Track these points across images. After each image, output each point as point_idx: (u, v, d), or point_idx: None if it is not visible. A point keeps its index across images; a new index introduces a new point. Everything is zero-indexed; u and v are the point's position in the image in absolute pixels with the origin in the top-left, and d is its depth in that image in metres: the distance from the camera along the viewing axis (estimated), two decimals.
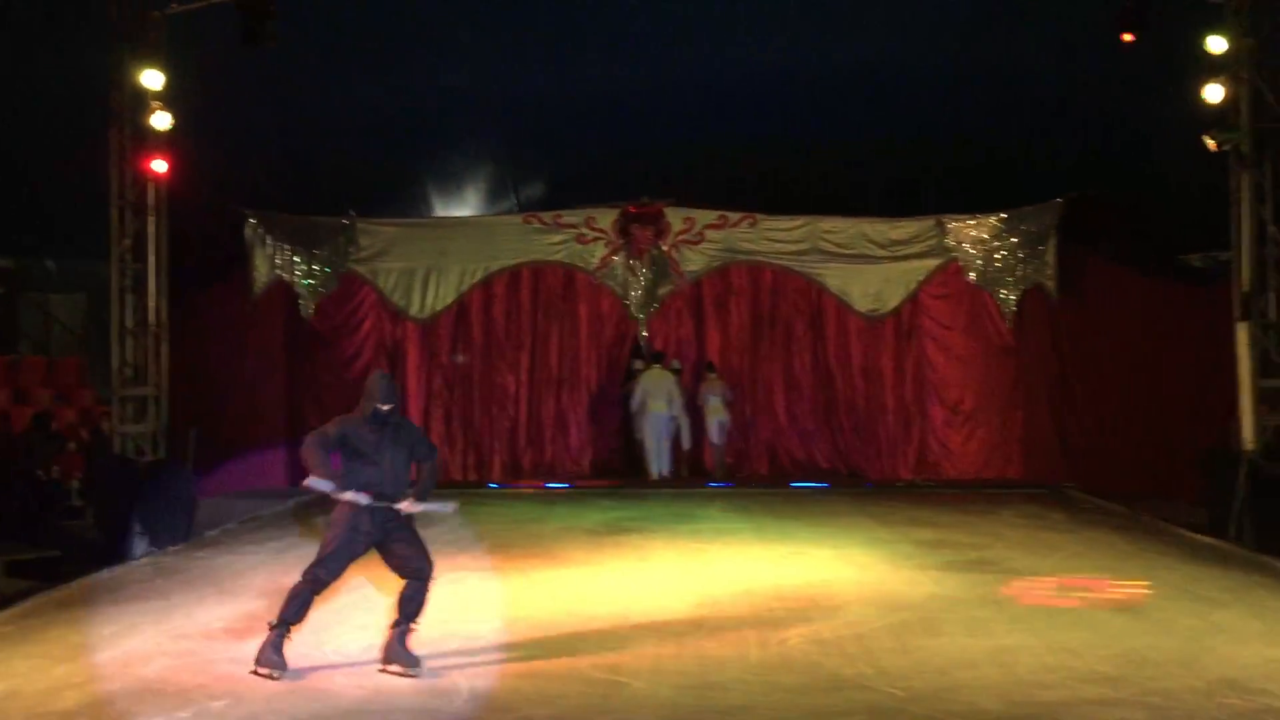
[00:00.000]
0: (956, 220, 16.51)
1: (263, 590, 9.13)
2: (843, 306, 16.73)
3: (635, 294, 16.79)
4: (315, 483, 6.74)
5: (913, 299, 16.68)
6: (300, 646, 7.32)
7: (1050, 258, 16.09)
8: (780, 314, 16.92)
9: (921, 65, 14.85)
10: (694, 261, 16.80)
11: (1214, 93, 12.11)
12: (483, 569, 10.04)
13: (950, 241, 16.55)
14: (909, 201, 16.59)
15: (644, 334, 16.78)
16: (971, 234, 16.51)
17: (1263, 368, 12.17)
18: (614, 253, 16.78)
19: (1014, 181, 16.11)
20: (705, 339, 16.99)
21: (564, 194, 17.05)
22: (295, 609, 6.72)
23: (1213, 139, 12.06)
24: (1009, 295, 16.41)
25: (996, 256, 16.40)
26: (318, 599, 6.89)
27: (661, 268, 16.75)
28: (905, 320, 16.76)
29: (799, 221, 16.72)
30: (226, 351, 16.10)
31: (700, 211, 16.78)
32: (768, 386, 16.87)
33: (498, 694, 6.25)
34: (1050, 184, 15.95)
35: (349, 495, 6.74)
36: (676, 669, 6.76)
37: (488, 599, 8.83)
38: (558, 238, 16.84)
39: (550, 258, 16.88)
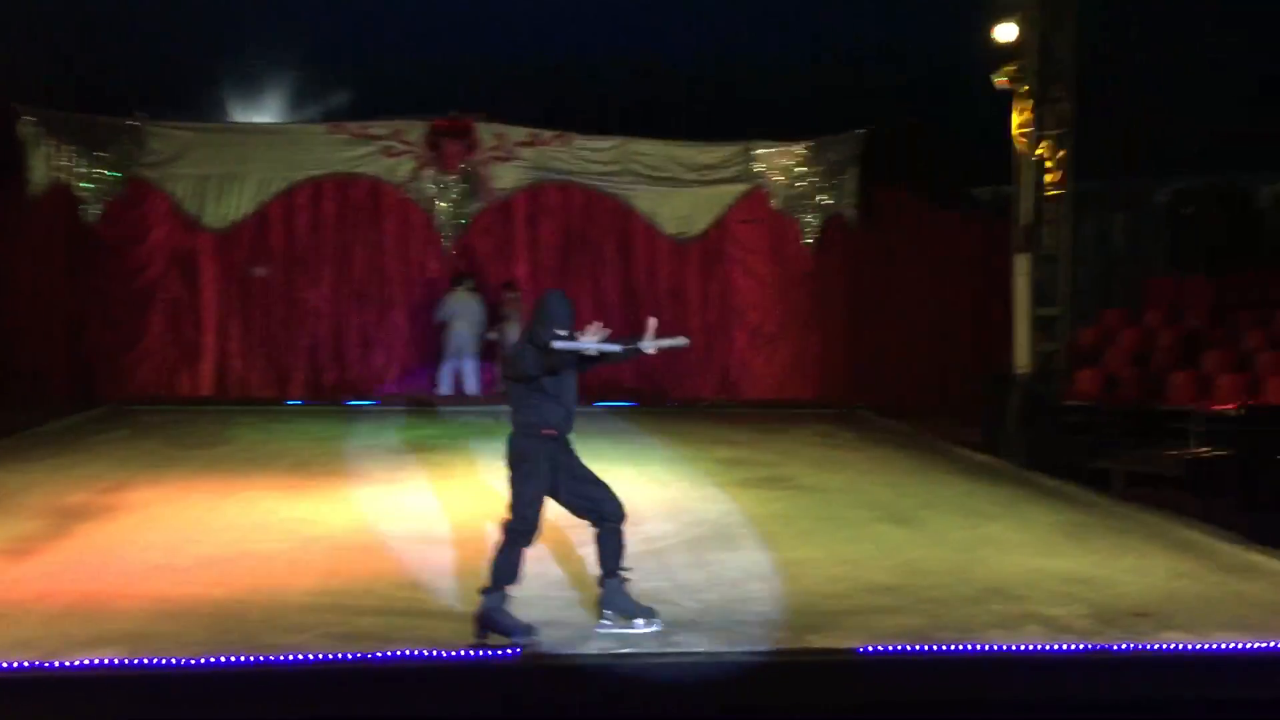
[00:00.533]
0: (764, 147, 16.80)
1: (41, 509, 8.71)
2: (651, 229, 16.87)
3: (444, 210, 16.49)
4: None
5: (719, 224, 16.95)
6: (83, 567, 7.06)
7: (850, 187, 16.63)
8: (590, 234, 16.93)
9: None
10: (504, 179, 16.58)
11: (1006, 32, 12.66)
12: (280, 488, 9.81)
13: (757, 168, 16.85)
14: (718, 127, 16.75)
15: (451, 252, 16.52)
16: (777, 161, 16.86)
17: (1038, 297, 12.97)
18: (423, 167, 16.39)
19: (819, 112, 16.47)
20: (515, 257, 16.85)
21: (372, 105, 16.47)
22: (511, 572, 5.88)
23: (1001, 77, 12.63)
24: (811, 222, 16.87)
25: (800, 184, 16.81)
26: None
27: (471, 184, 16.48)
28: (711, 244, 17.03)
29: (611, 142, 16.70)
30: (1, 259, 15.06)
31: (512, 128, 16.53)
32: (576, 307, 16.83)
33: (291, 614, 6.15)
34: (853, 115, 16.40)
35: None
36: (476, 586, 6.75)
37: (286, 517, 8.65)
38: (364, 150, 16.31)
39: (356, 170, 16.35)
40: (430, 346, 16.47)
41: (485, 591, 5.86)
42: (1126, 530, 8.41)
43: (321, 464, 11.14)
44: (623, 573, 6.09)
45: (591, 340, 5.95)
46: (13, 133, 15.09)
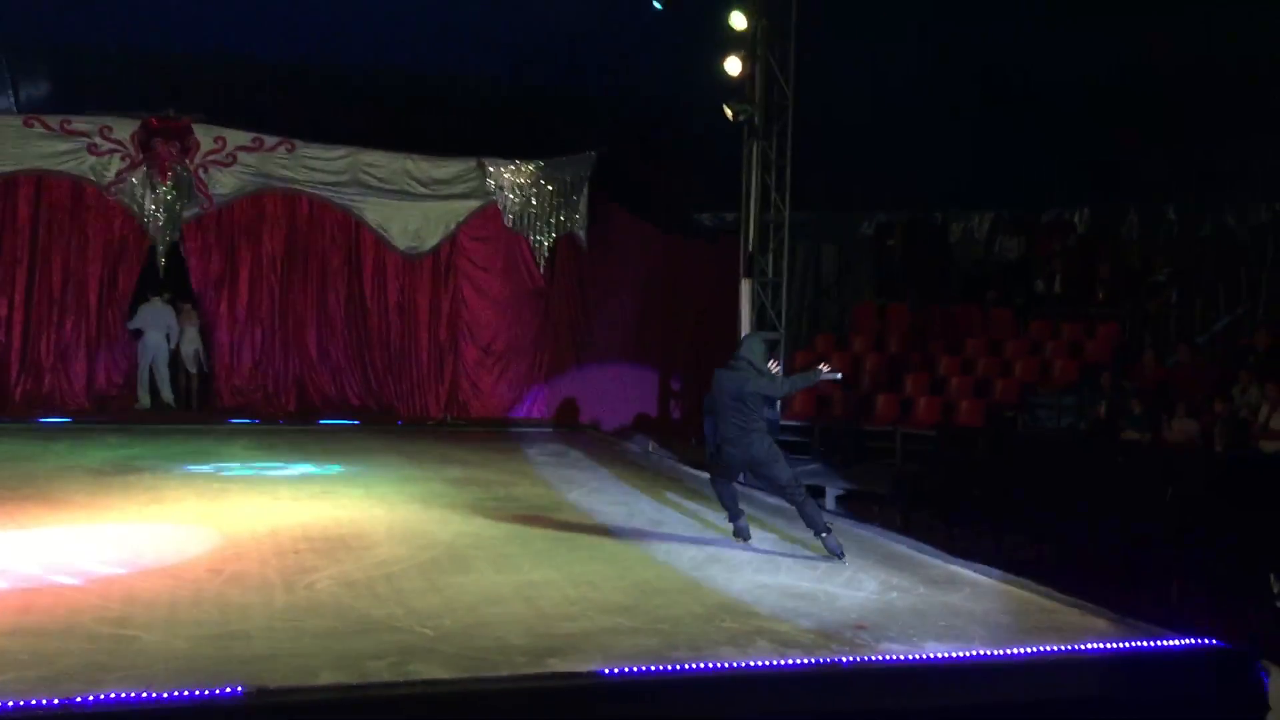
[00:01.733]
0: (497, 164, 16.77)
1: None
2: (381, 242, 16.48)
3: (155, 214, 15.48)
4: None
5: (451, 239, 16.77)
6: None
7: (582, 207, 16.87)
8: (315, 246, 16.35)
9: (471, 4, 14.82)
10: (224, 184, 15.77)
11: (733, 66, 13.22)
12: None
13: (491, 184, 16.80)
14: (451, 142, 16.58)
15: (162, 259, 15.54)
16: (511, 179, 16.87)
17: (760, 321, 13.58)
18: (132, 168, 15.34)
19: (550, 131, 16.61)
20: (237, 267, 16.03)
21: (75, 98, 15.23)
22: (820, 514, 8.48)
23: (730, 109, 13.17)
24: (543, 240, 16.97)
25: (533, 202, 16.89)
26: None
27: (186, 188, 15.56)
28: (443, 259, 16.82)
29: (340, 152, 16.20)
30: None
31: (233, 131, 15.76)
32: (300, 320, 16.28)
33: None
34: (583, 137, 16.64)
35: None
36: (194, 619, 6.36)
37: None
38: (65, 146, 15.10)
39: (56, 167, 15.11)
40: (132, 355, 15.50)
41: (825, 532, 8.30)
42: (842, 546, 8.85)
43: (11, 487, 10.17)
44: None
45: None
46: None
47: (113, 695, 5.04)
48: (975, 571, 8.01)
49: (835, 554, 8.18)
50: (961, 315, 15.78)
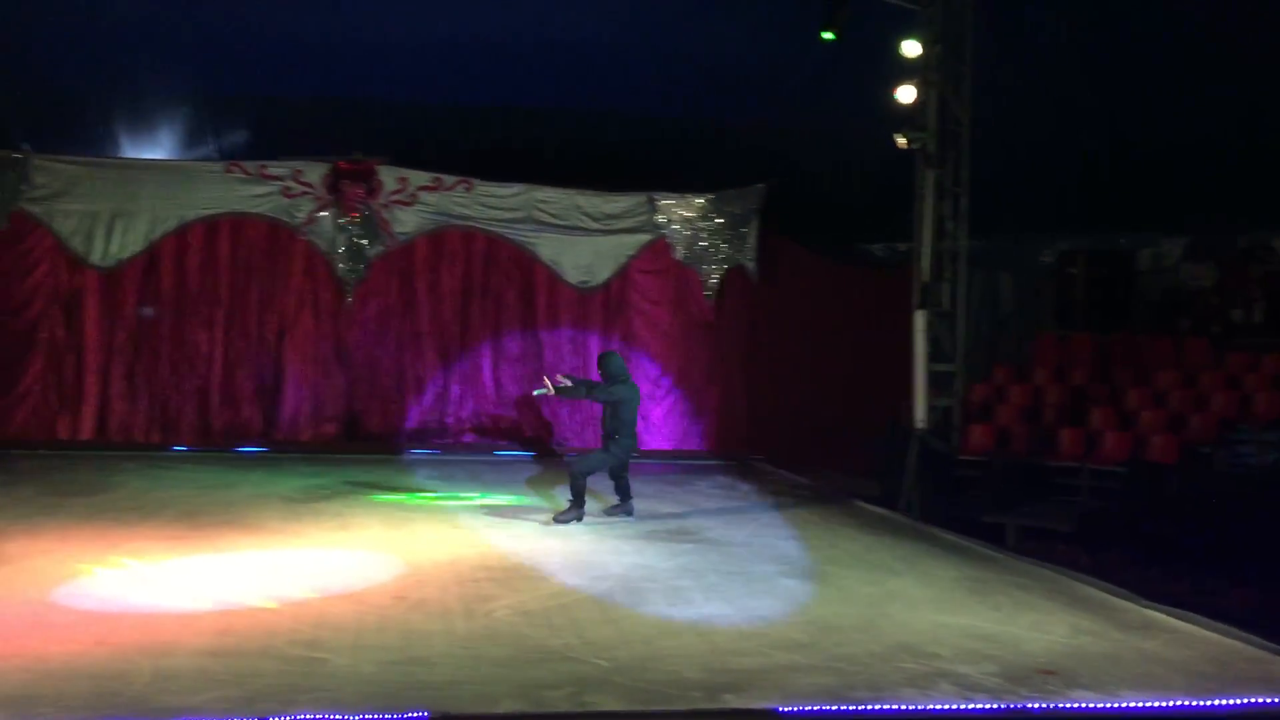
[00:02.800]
0: (666, 198, 16.92)
1: None
2: (554, 277, 16.80)
3: (343, 254, 16.20)
4: None
5: (622, 273, 16.97)
6: None
7: (751, 240, 16.83)
8: (492, 282, 16.77)
9: (640, 43, 15.06)
10: (406, 223, 16.37)
11: (906, 94, 12.99)
12: (167, 540, 9.40)
13: (660, 219, 16.95)
14: (622, 177, 16.82)
15: (349, 296, 16.22)
16: (680, 213, 16.99)
17: (934, 353, 13.24)
18: (322, 209, 16.09)
19: (719, 165, 16.67)
20: (416, 303, 16.61)
21: (270, 145, 16.11)
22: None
23: (903, 138, 12.94)
24: (712, 273, 17.01)
25: (702, 236, 16.96)
26: None
27: (372, 228, 16.23)
28: (614, 293, 17.04)
29: (515, 189, 16.62)
30: None
31: (414, 172, 16.35)
32: (476, 354, 16.71)
33: (183, 675, 5.85)
34: (752, 169, 16.64)
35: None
36: (379, 644, 6.57)
37: (174, 573, 8.28)
38: (262, 189, 15.95)
39: (253, 210, 15.97)
40: (333, 390, 16.13)
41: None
42: (1026, 586, 8.54)
43: (211, 514, 10.73)
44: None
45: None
46: None
47: (305, 716, 5.23)
48: (1173, 616, 7.59)
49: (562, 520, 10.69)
50: (1151, 346, 15.06)
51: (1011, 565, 9.45)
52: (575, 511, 10.79)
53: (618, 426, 11.09)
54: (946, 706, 5.59)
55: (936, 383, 13.24)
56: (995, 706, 5.62)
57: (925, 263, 13.22)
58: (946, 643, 6.81)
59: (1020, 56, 14.34)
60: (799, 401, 16.59)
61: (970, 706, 5.62)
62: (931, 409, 13.10)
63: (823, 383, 16.51)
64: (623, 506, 11.21)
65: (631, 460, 11.47)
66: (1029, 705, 5.65)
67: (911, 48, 12.96)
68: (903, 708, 5.56)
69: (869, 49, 13.30)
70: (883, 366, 15.23)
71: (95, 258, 15.50)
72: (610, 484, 11.30)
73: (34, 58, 14.11)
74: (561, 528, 10.50)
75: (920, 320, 13.21)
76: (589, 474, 11.04)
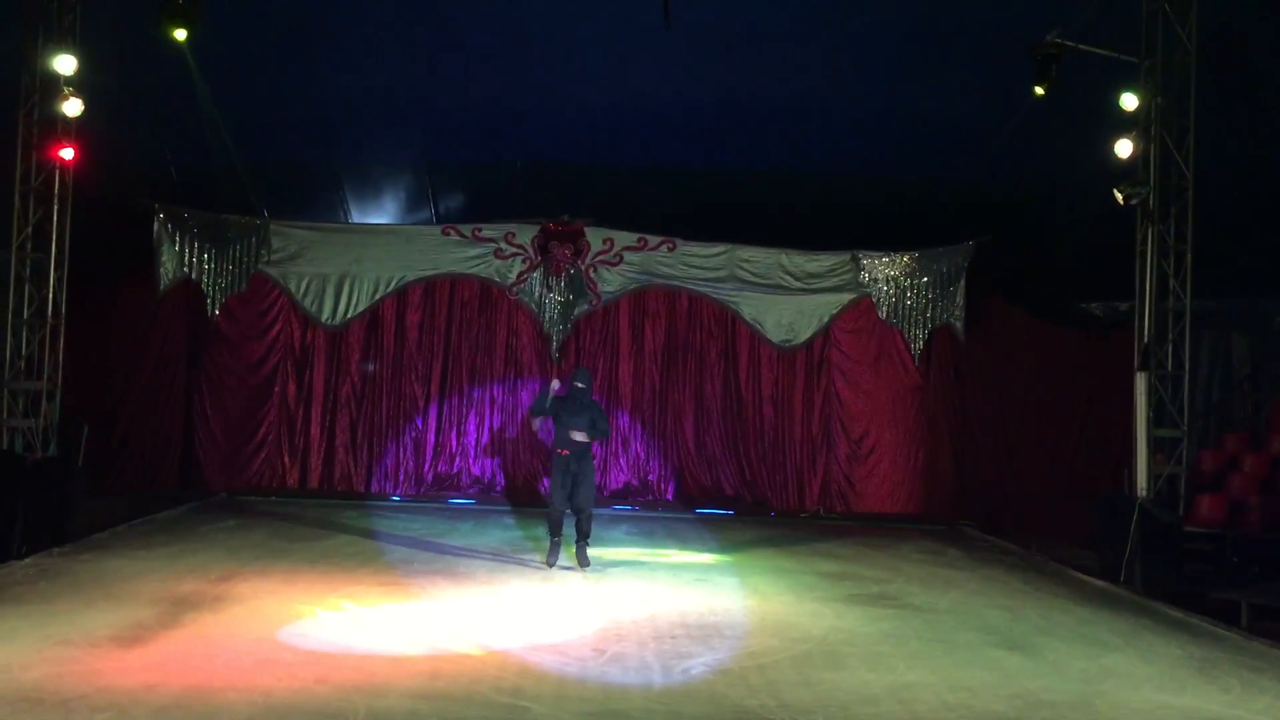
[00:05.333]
0: (871, 256, 16.76)
1: (153, 597, 8.85)
2: (756, 335, 16.85)
3: (551, 312, 16.73)
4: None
5: (825, 332, 16.87)
6: (193, 657, 7.12)
7: (959, 299, 16.44)
8: (694, 340, 16.98)
9: (845, 102, 15.03)
10: (611, 282, 16.79)
11: (1124, 148, 12.50)
12: (382, 586, 9.85)
13: (864, 277, 16.79)
14: (824, 236, 16.76)
15: (556, 353, 16.70)
16: (884, 271, 16.78)
17: (1157, 417, 12.56)
18: (531, 269, 16.71)
19: (925, 222, 16.39)
20: (619, 361, 16.96)
21: (484, 208, 16.87)
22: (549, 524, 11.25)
23: (1121, 193, 12.42)
24: (918, 333, 16.69)
25: (908, 294, 16.69)
26: None
27: (578, 287, 16.71)
28: (816, 353, 16.94)
29: (718, 249, 16.82)
30: (126, 349, 15.67)
31: (619, 233, 16.79)
32: (677, 411, 16.89)
33: (395, 715, 6.10)
34: (960, 227, 16.29)
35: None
36: (579, 695, 6.68)
37: (387, 617, 8.65)
38: (475, 251, 16.71)
39: (467, 271, 16.73)
40: (541, 446, 16.59)
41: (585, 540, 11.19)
42: (1260, 668, 7.95)
43: (423, 562, 11.17)
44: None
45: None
46: (146, 229, 15.78)
47: None
48: None
49: (582, 562, 11.11)
50: None
51: (1244, 645, 8.82)
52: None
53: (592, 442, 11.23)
54: None
55: (1160, 449, 12.54)
56: None
57: (1147, 322, 12.61)
58: None
59: (1250, 106, 13.60)
60: (1011, 466, 16.01)
61: None
62: (1155, 477, 12.41)
63: (1037, 447, 15.86)
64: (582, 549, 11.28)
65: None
66: None
67: (1130, 100, 12.48)
68: None
69: (1086, 103, 12.88)
70: (1101, 431, 14.55)
71: (325, 317, 16.52)
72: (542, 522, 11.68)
73: (272, 130, 15.22)
74: (753, 592, 10.40)
75: (1141, 382, 12.56)
76: None
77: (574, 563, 11.17)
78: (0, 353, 12.01)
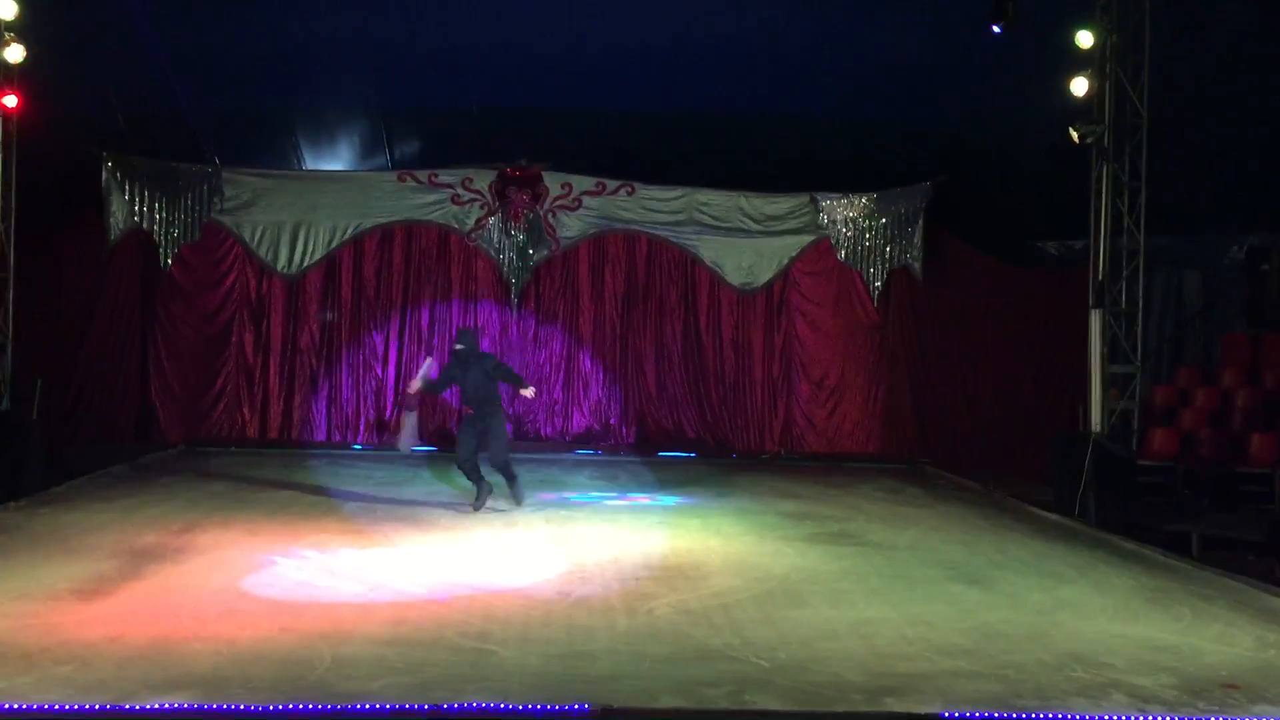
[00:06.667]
0: (829, 198, 16.76)
1: (113, 550, 8.81)
2: (716, 279, 16.85)
3: (510, 258, 16.62)
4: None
5: (784, 275, 16.89)
6: (155, 609, 7.10)
7: (917, 239, 16.49)
8: (654, 284, 16.95)
9: (802, 43, 14.93)
10: (570, 228, 16.69)
11: (1080, 86, 12.54)
12: (346, 534, 9.85)
13: (823, 219, 16.80)
14: (783, 178, 16.72)
15: (515, 300, 16.61)
16: (843, 213, 16.79)
17: (1112, 354, 12.74)
18: (490, 215, 16.56)
19: (882, 163, 16.38)
20: (579, 306, 16.91)
21: (440, 154, 16.67)
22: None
23: (1076, 131, 12.49)
24: (876, 274, 16.75)
25: (866, 236, 16.72)
26: None
27: (537, 232, 16.60)
28: (776, 295, 16.97)
29: (677, 192, 16.74)
30: (78, 300, 15.43)
31: (578, 177, 16.66)
32: (638, 356, 16.90)
33: (361, 662, 6.12)
34: (916, 167, 16.31)
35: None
36: (544, 638, 6.73)
37: (351, 565, 8.66)
38: (433, 197, 16.53)
39: (425, 217, 16.56)
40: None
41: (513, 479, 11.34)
42: (1211, 597, 8.14)
43: (386, 510, 11.18)
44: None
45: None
46: (95, 178, 15.47)
47: (474, 705, 5.41)
48: None
49: (518, 499, 11.29)
50: None
51: (1195, 575, 9.03)
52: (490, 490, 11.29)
53: (494, 396, 11.30)
54: (1119, 718, 5.39)
55: (1115, 385, 12.74)
56: (1172, 719, 5.39)
57: (1101, 260, 12.73)
58: (1121, 653, 6.56)
59: (1205, 44, 13.65)
60: (968, 404, 16.20)
61: (1145, 719, 5.40)
62: (1109, 413, 12.61)
63: (993, 385, 16.07)
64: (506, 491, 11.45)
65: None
66: (1208, 719, 5.39)
67: (1085, 38, 12.50)
68: (1072, 718, 5.38)
69: (1039, 40, 12.87)
70: (1057, 368, 14.75)
71: (281, 265, 16.32)
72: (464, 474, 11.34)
73: (223, 76, 14.92)
74: (715, 533, 10.50)
75: (1096, 320, 12.72)
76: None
77: (511, 504, 11.33)
78: None
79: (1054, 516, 11.76)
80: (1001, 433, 15.61)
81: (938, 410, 16.50)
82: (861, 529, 10.76)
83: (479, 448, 11.14)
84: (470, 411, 11.19)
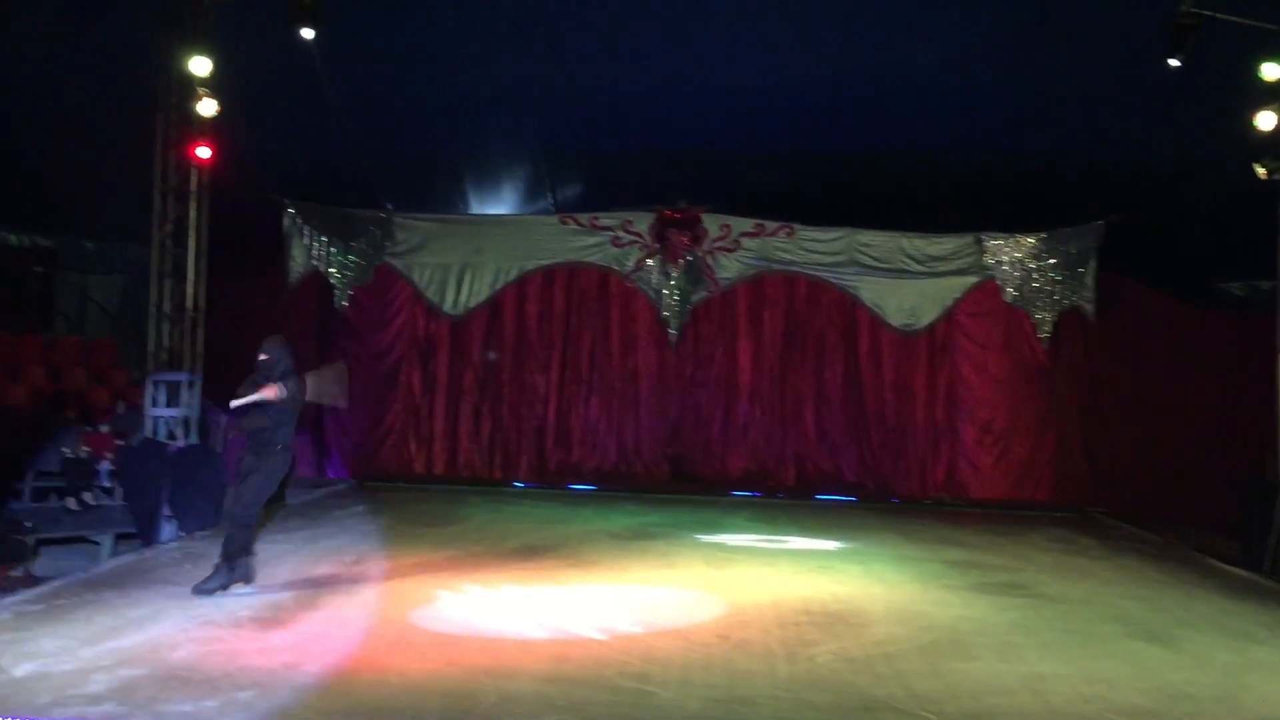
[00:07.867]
0: (995, 239, 16.36)
1: (289, 581, 9.15)
2: (876, 320, 16.60)
3: (669, 299, 16.75)
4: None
5: (948, 316, 16.53)
6: (330, 639, 7.33)
7: (1089, 280, 15.96)
8: (813, 325, 16.79)
9: (966, 79, 14.65)
10: (729, 269, 16.72)
11: (1266, 120, 11.95)
12: (508, 571, 10.00)
13: (988, 260, 16.40)
14: (948, 217, 16.40)
15: (675, 340, 16.70)
16: (1010, 253, 16.37)
17: None
18: (649, 257, 16.74)
19: (1053, 201, 15.90)
20: (737, 348, 16.89)
21: (601, 196, 16.97)
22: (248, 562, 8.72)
23: (1262, 166, 11.90)
24: (1045, 316, 16.24)
25: (1034, 277, 16.25)
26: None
27: (696, 274, 16.69)
28: (939, 337, 16.60)
29: (836, 233, 16.61)
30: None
31: (737, 219, 16.71)
32: (797, 397, 16.74)
33: (525, 698, 6.19)
34: (1089, 205, 15.77)
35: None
36: (705, 681, 6.69)
37: (514, 602, 8.79)
38: (593, 240, 16.81)
39: (585, 259, 16.86)
40: (659, 432, 16.65)
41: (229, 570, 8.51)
42: None
43: (547, 547, 11.32)
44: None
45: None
46: (278, 224, 16.28)
47: None
48: None
49: (206, 590, 8.38)
50: None
51: None
52: (235, 570, 8.50)
53: (285, 427, 8.69)
54: None
55: None
56: None
57: None
58: None
59: None
60: (1145, 452, 15.50)
61: None
62: None
63: (1173, 432, 15.34)
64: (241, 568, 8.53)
65: None
66: None
67: (1271, 70, 11.91)
68: None
69: (1220, 73, 12.34)
70: (1241, 414, 13.99)
71: (448, 306, 16.84)
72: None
73: (395, 125, 15.54)
74: (877, 580, 10.27)
75: None
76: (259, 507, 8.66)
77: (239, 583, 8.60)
78: (141, 344, 12.55)
79: (1241, 572, 11.10)
80: (1181, 482, 14.87)
81: (1112, 456, 15.83)
82: (1032, 580, 10.36)
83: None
84: (241, 438, 8.60)
